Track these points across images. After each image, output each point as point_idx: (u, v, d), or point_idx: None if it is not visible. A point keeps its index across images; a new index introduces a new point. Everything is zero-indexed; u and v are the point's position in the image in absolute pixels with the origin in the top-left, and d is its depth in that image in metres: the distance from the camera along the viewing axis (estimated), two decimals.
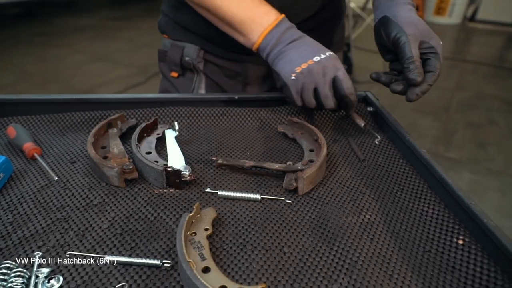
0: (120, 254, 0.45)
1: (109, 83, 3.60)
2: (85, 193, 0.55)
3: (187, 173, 0.56)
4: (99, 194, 0.55)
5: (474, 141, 2.65)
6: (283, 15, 0.71)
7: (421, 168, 0.61)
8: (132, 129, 0.70)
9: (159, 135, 0.69)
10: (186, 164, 0.60)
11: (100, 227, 0.49)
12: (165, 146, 0.65)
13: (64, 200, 0.54)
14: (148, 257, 0.45)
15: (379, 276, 0.43)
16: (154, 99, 0.78)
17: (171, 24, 0.92)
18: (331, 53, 0.67)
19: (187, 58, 0.89)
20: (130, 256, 0.45)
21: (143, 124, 0.68)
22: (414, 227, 0.51)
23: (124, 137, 0.70)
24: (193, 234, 0.46)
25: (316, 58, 0.64)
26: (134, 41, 4.94)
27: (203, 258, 0.42)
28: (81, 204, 0.53)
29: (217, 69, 0.92)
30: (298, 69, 0.65)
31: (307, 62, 0.64)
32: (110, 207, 0.53)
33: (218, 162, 0.61)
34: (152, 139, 0.68)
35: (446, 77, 3.87)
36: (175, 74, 0.94)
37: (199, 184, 0.58)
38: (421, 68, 0.63)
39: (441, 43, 0.65)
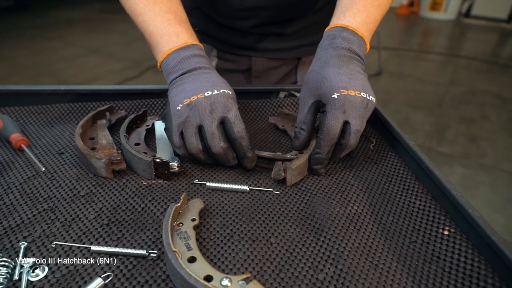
0: (106, 244, 0.45)
1: (103, 76, 3.57)
2: (72, 184, 0.55)
3: (176, 164, 0.56)
4: (87, 185, 0.55)
5: (466, 136, 2.67)
6: (195, 42, 0.64)
7: (409, 159, 0.61)
8: (121, 120, 0.70)
9: (149, 127, 0.68)
10: (174, 155, 0.60)
11: (87, 218, 0.49)
12: (155, 138, 0.65)
13: (51, 191, 0.53)
14: (134, 248, 0.44)
15: (364, 266, 0.43)
16: (144, 91, 0.77)
17: None
18: (227, 90, 0.58)
19: None
20: (116, 246, 0.45)
21: (132, 116, 0.67)
22: (401, 218, 0.51)
23: (114, 129, 0.69)
24: (180, 224, 0.46)
25: (208, 93, 0.56)
26: (128, 35, 4.90)
27: (189, 248, 0.42)
28: (68, 195, 0.53)
29: (228, 64, 0.96)
30: (187, 101, 0.56)
31: (197, 95, 0.56)
32: (98, 198, 0.52)
33: None
34: (141, 131, 0.67)
35: (440, 73, 3.89)
36: None
37: (188, 176, 0.58)
38: (301, 133, 0.60)
39: (334, 96, 0.55)
